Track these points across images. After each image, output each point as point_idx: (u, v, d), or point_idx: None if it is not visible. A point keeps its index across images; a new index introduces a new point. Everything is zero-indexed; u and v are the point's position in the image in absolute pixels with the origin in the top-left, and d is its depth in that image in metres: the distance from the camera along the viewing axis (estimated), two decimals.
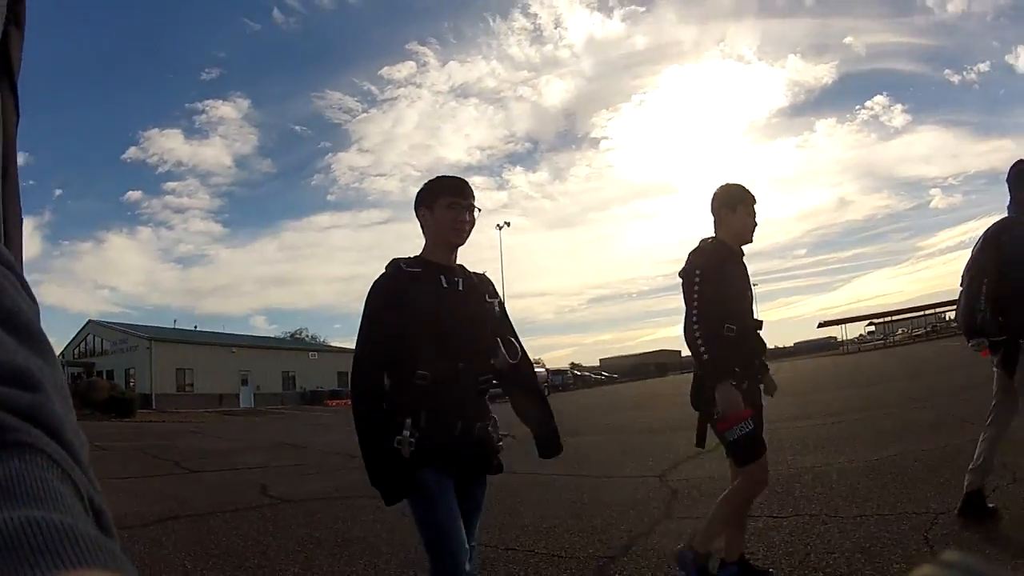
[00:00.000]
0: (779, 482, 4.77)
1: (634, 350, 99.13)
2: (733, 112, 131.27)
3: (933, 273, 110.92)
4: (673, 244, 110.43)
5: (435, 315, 2.03)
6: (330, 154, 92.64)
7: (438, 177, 2.24)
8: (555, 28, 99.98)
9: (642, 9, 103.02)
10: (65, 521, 0.26)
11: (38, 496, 0.28)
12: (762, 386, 3.05)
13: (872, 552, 3.28)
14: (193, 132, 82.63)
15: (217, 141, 78.82)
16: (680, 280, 2.99)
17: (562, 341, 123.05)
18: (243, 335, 52.99)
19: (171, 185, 73.06)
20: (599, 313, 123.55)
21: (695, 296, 2.87)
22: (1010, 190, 3.75)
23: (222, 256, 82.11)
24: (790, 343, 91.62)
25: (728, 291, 2.93)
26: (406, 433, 1.94)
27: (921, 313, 63.31)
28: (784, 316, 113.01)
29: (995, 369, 3.63)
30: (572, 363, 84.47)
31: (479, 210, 2.21)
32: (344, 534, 4.61)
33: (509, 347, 2.18)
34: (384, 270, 2.13)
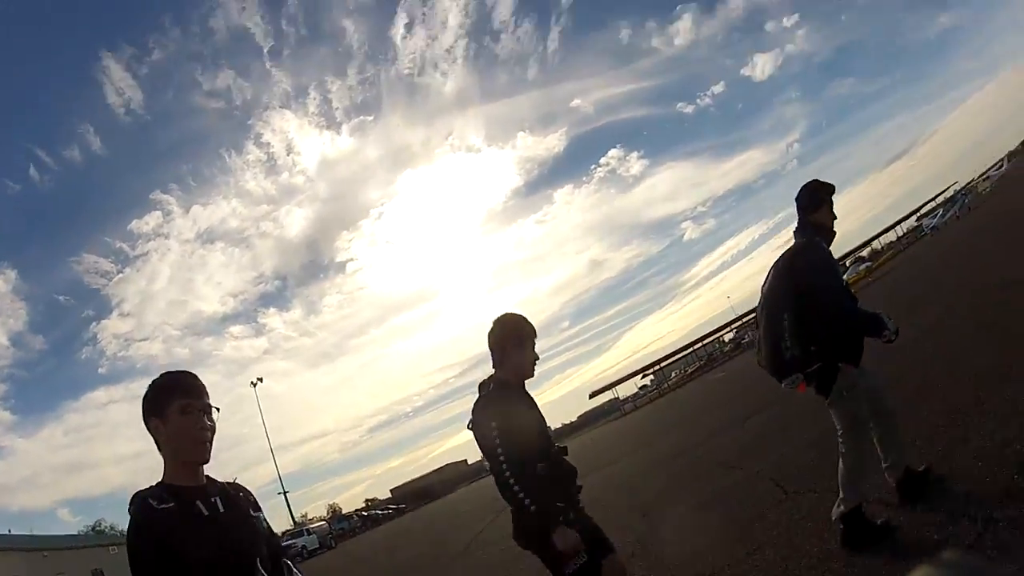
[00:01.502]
0: None
1: (426, 468, 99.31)
2: (470, 204, 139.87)
3: (702, 301, 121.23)
4: (437, 351, 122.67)
5: (204, 557, 1.74)
6: (94, 323, 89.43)
7: (162, 375, 1.94)
8: (288, 155, 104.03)
9: (369, 118, 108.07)
10: None
11: None
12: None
13: None
14: None
15: None
16: (474, 435, 2.80)
17: (354, 478, 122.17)
18: (51, 536, 47.40)
19: None
20: (382, 440, 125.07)
21: (499, 453, 2.67)
22: (799, 211, 3.71)
23: (18, 446, 75.06)
24: (575, 417, 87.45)
25: (528, 432, 2.77)
26: None
27: (691, 350, 62.07)
28: (565, 390, 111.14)
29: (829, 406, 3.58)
30: (366, 500, 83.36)
31: (218, 410, 1.95)
32: None
33: (285, 571, 2.02)
34: (130, 514, 1.76)
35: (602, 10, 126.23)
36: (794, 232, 3.77)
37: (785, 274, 3.62)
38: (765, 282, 3.74)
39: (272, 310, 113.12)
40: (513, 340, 2.91)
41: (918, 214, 60.28)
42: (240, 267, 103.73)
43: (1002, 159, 58.88)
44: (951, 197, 53.88)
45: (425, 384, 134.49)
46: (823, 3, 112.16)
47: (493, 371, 2.95)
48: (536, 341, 2.97)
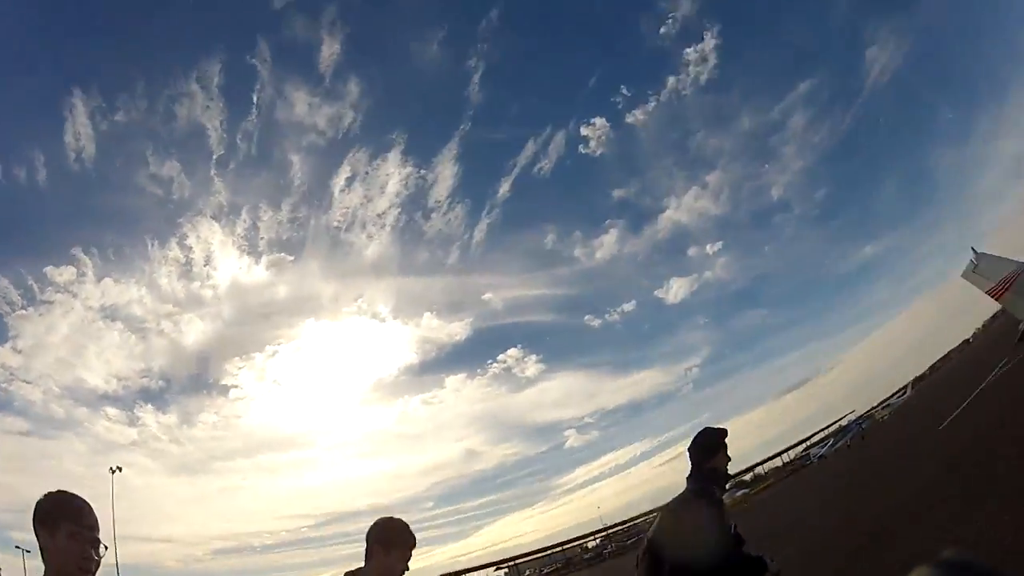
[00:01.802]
0: None
1: None
2: (363, 368, 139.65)
3: (572, 507, 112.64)
4: (297, 498, 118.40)
5: None
6: None
7: (60, 493, 1.96)
8: (204, 265, 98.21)
9: (290, 258, 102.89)
10: None
11: None
12: None
13: None
14: None
15: None
16: None
17: None
18: None
19: None
20: (224, 565, 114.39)
21: None
22: (692, 459, 3.75)
23: None
24: None
25: None
26: None
27: (551, 551, 62.71)
28: (418, 566, 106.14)
29: None
30: None
31: (106, 548, 1.96)
32: None
33: None
34: None
35: (534, 211, 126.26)
36: (687, 478, 3.80)
37: (672, 520, 3.69)
38: (651, 527, 3.82)
39: (150, 407, 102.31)
40: (392, 545, 2.93)
41: (808, 442, 60.37)
42: (132, 355, 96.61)
43: (906, 386, 58.88)
44: (844, 426, 54.91)
45: (278, 526, 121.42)
46: (748, 233, 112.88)
47: (363, 564, 2.96)
48: (412, 554, 2.99)
